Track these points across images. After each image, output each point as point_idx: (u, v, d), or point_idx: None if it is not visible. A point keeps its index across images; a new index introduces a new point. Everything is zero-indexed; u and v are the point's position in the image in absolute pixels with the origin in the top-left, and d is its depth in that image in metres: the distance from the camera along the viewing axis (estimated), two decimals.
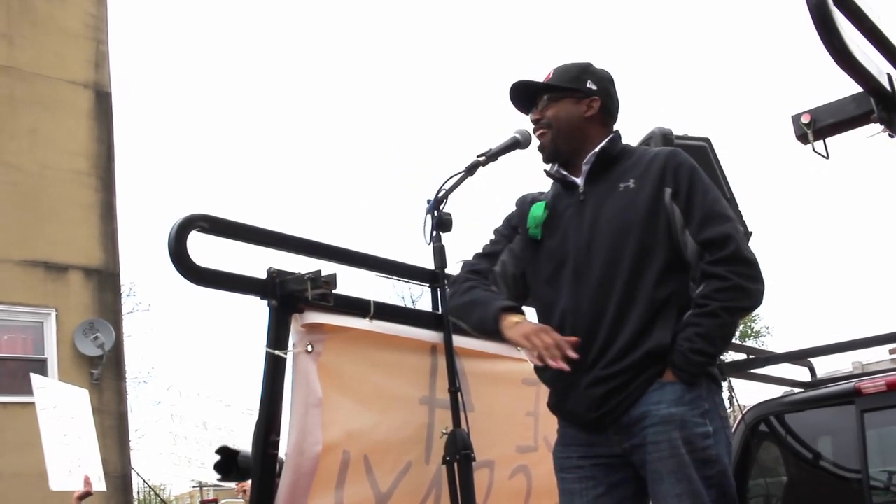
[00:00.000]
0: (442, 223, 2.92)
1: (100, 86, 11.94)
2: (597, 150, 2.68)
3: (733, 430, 4.41)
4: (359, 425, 2.86)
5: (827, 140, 2.62)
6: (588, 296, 2.55)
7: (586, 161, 2.69)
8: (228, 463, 3.27)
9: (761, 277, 2.52)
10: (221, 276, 2.57)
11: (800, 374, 4.97)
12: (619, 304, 2.51)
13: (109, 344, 10.82)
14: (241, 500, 7.53)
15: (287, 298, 2.64)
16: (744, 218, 3.80)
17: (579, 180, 2.70)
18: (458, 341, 3.09)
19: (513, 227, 2.84)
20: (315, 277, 2.60)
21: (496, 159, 3.00)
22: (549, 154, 2.75)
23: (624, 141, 2.78)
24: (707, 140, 3.74)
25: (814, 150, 2.62)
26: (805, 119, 2.61)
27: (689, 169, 2.59)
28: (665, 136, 3.41)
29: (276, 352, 2.62)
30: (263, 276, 2.64)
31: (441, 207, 2.90)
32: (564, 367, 2.42)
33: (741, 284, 2.47)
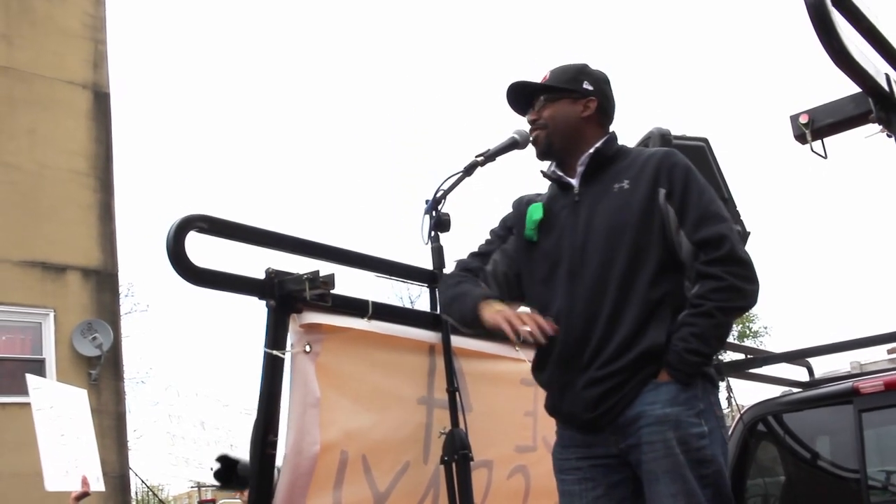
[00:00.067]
0: (440, 223, 2.92)
1: (98, 86, 11.93)
2: (591, 150, 2.68)
3: (731, 429, 4.42)
4: (357, 425, 2.86)
5: (825, 140, 2.62)
6: (583, 296, 2.56)
7: (581, 162, 2.69)
8: (228, 472, 3.27)
9: (756, 277, 2.53)
10: (219, 276, 2.57)
11: (798, 373, 4.97)
12: (614, 304, 2.51)
13: (108, 344, 10.82)
14: (240, 501, 7.53)
15: (285, 299, 2.64)
16: (742, 218, 3.81)
17: (574, 181, 2.70)
18: (457, 341, 3.09)
19: (508, 227, 2.85)
20: (313, 278, 2.60)
21: (494, 160, 3.00)
22: (541, 151, 2.76)
23: (622, 141, 2.78)
24: (705, 140, 3.74)
25: (812, 150, 2.61)
26: (803, 119, 2.61)
27: (683, 169, 2.60)
28: (663, 137, 3.41)
29: (275, 352, 2.62)
30: (262, 276, 2.64)
31: (439, 208, 2.91)
32: (542, 340, 2.43)
33: (736, 285, 2.47)
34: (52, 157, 11.12)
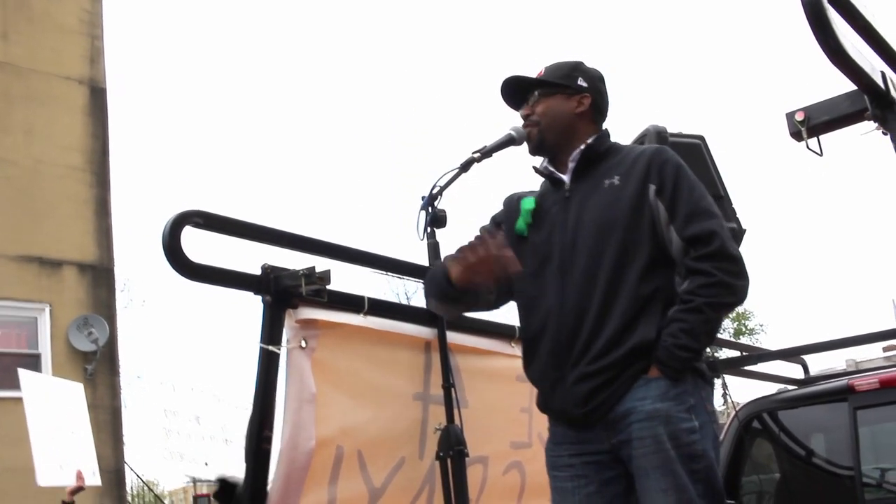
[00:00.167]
0: (436, 219, 2.92)
1: (95, 81, 11.92)
2: (582, 147, 2.69)
3: (727, 426, 4.43)
4: (353, 421, 2.86)
5: (821, 137, 2.62)
6: (572, 292, 2.56)
7: (572, 158, 2.70)
8: (228, 495, 3.26)
9: (746, 274, 2.53)
10: (215, 271, 2.56)
11: (793, 371, 4.97)
12: (604, 299, 2.51)
13: (103, 339, 10.82)
14: None
15: (281, 294, 2.64)
16: (738, 216, 3.81)
17: (566, 177, 2.71)
18: (453, 337, 3.09)
19: (497, 223, 2.85)
20: (309, 273, 2.60)
21: (491, 156, 2.99)
22: (534, 146, 2.77)
23: (619, 139, 2.79)
24: (701, 138, 3.75)
25: (808, 147, 2.62)
26: (799, 116, 2.61)
27: (674, 166, 2.60)
28: (659, 134, 3.42)
29: (270, 347, 2.62)
30: (258, 271, 2.64)
31: (435, 204, 2.90)
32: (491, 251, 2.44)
33: (726, 281, 2.48)
34: (49, 153, 11.11)
